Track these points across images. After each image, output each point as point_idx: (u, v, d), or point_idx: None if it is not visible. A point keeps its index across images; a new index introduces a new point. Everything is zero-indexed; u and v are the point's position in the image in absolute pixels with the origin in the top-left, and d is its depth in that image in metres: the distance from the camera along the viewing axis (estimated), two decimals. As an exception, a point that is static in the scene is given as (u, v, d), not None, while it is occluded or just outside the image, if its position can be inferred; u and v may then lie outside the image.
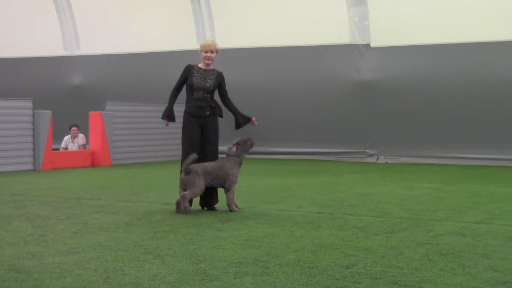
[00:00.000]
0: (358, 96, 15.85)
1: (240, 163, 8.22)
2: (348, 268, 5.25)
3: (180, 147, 8.54)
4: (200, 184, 7.90)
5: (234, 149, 8.20)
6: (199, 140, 8.27)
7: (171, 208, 8.35)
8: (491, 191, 10.19)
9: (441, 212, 8.11)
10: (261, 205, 8.75)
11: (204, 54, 8.26)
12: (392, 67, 15.49)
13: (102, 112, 15.22)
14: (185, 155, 8.11)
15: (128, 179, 12.28)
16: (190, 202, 8.08)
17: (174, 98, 8.41)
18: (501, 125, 14.50)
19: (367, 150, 15.85)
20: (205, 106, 8.23)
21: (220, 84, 8.35)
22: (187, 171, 7.88)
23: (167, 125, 8.60)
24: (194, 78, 8.22)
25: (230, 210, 8.13)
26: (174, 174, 12.93)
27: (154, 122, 15.97)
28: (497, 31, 14.44)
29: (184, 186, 7.98)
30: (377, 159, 15.71)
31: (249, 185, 11.07)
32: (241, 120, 8.43)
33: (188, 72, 8.27)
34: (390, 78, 15.44)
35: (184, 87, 8.39)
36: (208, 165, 8.07)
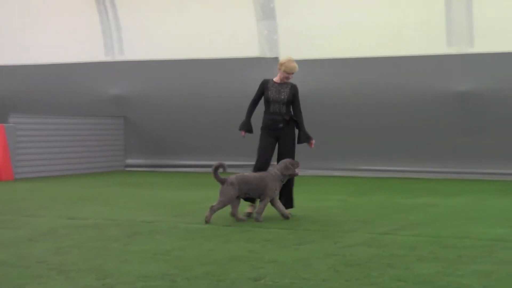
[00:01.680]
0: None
1: (282, 181, 8.34)
2: (257, 280, 5.24)
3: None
4: (229, 194, 8.08)
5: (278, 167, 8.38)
6: (271, 150, 8.74)
7: (76, 222, 8.16)
8: (396, 203, 10.42)
9: (348, 223, 8.23)
10: (169, 218, 8.65)
11: (285, 75, 8.70)
12: (301, 81, 15.62)
13: (4, 124, 14.75)
14: (255, 165, 8.63)
15: (32, 193, 11.93)
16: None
17: (251, 112, 8.86)
18: (406, 138, 14.85)
19: (275, 163, 15.95)
20: (279, 119, 8.64)
21: (294, 96, 8.74)
22: (221, 181, 8.11)
23: (243, 136, 8.97)
24: (269, 92, 8.65)
25: (256, 220, 8.26)
26: (80, 188, 12.67)
27: (61, 135, 15.63)
28: (406, 46, 14.79)
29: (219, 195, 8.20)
30: (286, 171, 15.83)
31: (158, 198, 10.95)
32: (302, 137, 8.83)
33: (264, 87, 8.73)
34: (300, 91, 15.59)
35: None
36: (250, 175, 8.30)
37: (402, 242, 6.90)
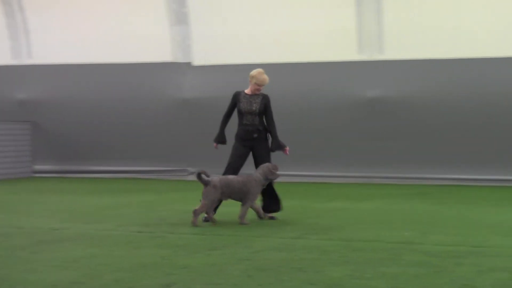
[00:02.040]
0: (180, 114, 15.84)
1: (263, 186, 8.59)
2: (168, 287, 5.18)
3: None
4: (212, 197, 8.26)
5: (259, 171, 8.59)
6: (242, 161, 8.95)
7: (-19, 230, 7.88)
8: (307, 207, 10.53)
9: (260, 228, 8.26)
10: (78, 225, 8.47)
11: (256, 87, 8.98)
12: (214, 86, 15.64)
13: None
14: (225, 172, 8.80)
15: None
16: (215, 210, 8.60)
17: (224, 123, 9.16)
18: (316, 143, 15.01)
19: (188, 168, 15.87)
20: (252, 130, 8.87)
21: (266, 106, 8.96)
22: (205, 182, 8.28)
23: (216, 147, 9.26)
24: (241, 104, 8.91)
25: (241, 223, 8.40)
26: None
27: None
28: (317, 53, 14.96)
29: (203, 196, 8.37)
30: (199, 177, 15.78)
31: (67, 205, 10.71)
32: (274, 146, 9.00)
33: (236, 99, 8.99)
34: (212, 96, 15.57)
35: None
36: (233, 178, 8.48)
37: (313, 246, 6.97)
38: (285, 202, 11.08)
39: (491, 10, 13.88)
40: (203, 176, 8.34)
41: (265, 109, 8.99)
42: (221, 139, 9.18)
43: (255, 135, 8.93)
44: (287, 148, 9.08)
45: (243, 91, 9.06)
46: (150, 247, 6.90)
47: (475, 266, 6.01)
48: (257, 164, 8.89)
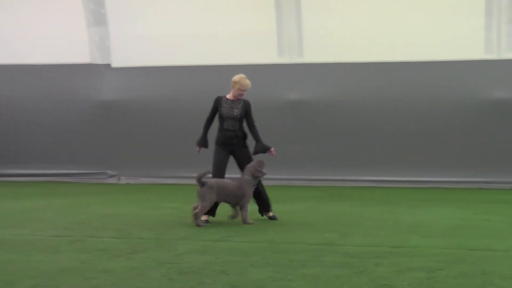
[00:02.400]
0: (99, 117, 15.59)
1: (254, 186, 8.81)
2: (88, 292, 5.10)
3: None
4: (210, 198, 8.48)
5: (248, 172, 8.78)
6: (226, 163, 9.10)
7: None
8: (229, 210, 10.47)
9: (182, 231, 8.21)
10: (-6, 230, 8.24)
11: (240, 92, 9.10)
12: (134, 88, 15.46)
13: None
14: (213, 175, 8.89)
15: None
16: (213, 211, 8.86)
17: (207, 128, 9.26)
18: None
19: (108, 171, 15.65)
20: (232, 135, 9.06)
21: (247, 111, 9.17)
22: (202, 184, 8.47)
23: (199, 151, 9.36)
24: (223, 109, 9.05)
25: (245, 223, 8.68)
26: None
27: None
28: (237, 55, 14.97)
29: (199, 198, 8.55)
30: (119, 180, 15.57)
31: (-18, 210, 10.39)
32: (258, 148, 9.19)
33: (218, 104, 9.12)
34: (131, 98, 15.40)
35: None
36: (228, 182, 8.69)
37: (235, 249, 6.97)
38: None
39: (409, 16, 14.18)
40: (202, 178, 8.54)
41: (246, 114, 9.19)
42: (203, 143, 9.31)
43: (235, 141, 9.10)
44: (272, 149, 9.25)
45: (225, 96, 9.20)
46: (70, 252, 6.76)
47: (394, 266, 6.13)
48: (241, 168, 9.03)
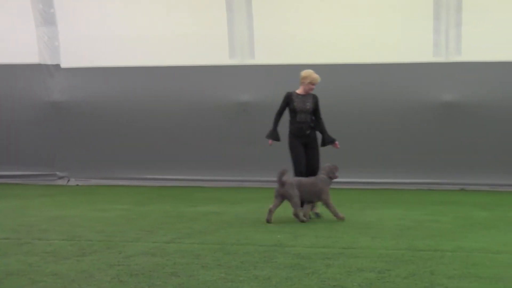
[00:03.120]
0: (49, 117, 15.36)
1: (329, 185, 9.18)
2: (36, 295, 5.01)
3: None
4: (296, 194, 8.87)
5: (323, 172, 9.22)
6: (304, 155, 9.53)
7: None
8: (180, 211, 10.46)
9: (133, 233, 8.13)
10: None
11: (310, 86, 9.58)
12: (84, 89, 15.27)
13: None
14: (296, 169, 9.42)
15: None
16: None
17: (277, 122, 9.75)
18: (189, 146, 14.95)
19: (57, 173, 15.43)
20: (305, 127, 9.56)
21: (316, 105, 9.65)
22: (282, 183, 8.83)
23: (270, 144, 9.83)
24: (295, 103, 9.54)
25: (339, 219, 9.10)
26: None
27: None
28: (189, 57, 14.90)
29: (279, 197, 8.95)
30: (68, 181, 15.36)
31: None
32: (325, 140, 9.70)
33: (289, 99, 9.61)
34: (81, 99, 15.21)
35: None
36: (304, 180, 9.08)
37: (186, 250, 6.94)
38: (158, 207, 11.02)
39: (359, 18, 14.30)
40: (282, 176, 8.89)
41: (316, 107, 9.65)
42: (275, 136, 9.78)
43: (308, 132, 9.59)
44: (337, 142, 9.74)
45: (295, 92, 9.67)
46: (17, 254, 6.64)
47: (345, 267, 6.17)
48: (307, 161, 9.52)
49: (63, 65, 15.39)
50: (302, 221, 8.96)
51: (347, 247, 7.18)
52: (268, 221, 8.94)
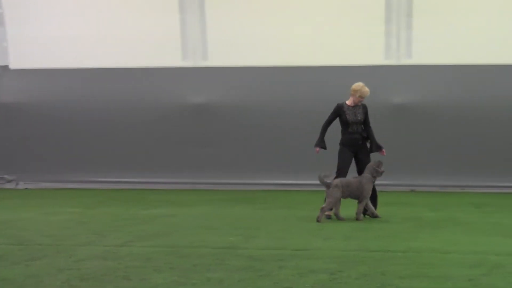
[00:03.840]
0: (-3, 119, 15.13)
1: (373, 182, 9.55)
2: (-17, 301, 4.91)
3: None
4: (336, 196, 9.29)
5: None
6: (349, 163, 9.83)
7: None
8: (132, 214, 10.38)
9: (83, 236, 8.03)
10: None
11: (360, 99, 9.82)
12: (33, 90, 15.04)
13: None
14: (338, 174, 9.64)
15: None
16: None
17: (325, 131, 9.95)
18: (142, 149, 14.85)
19: (5, 176, 15.17)
20: (358, 138, 9.83)
21: (366, 115, 9.89)
22: (327, 185, 9.33)
23: (317, 152, 9.96)
24: (347, 115, 9.79)
25: (357, 219, 9.43)
26: None
27: None
28: (141, 58, 14.80)
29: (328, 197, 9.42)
30: (17, 185, 15.11)
31: None
32: (374, 147, 9.90)
33: (340, 111, 9.83)
34: (30, 101, 14.97)
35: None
36: (351, 179, 9.53)
37: (138, 254, 6.87)
38: (109, 210, 10.91)
39: (311, 21, 14.39)
40: (325, 179, 9.35)
41: (366, 117, 9.90)
42: (323, 144, 9.95)
43: (360, 142, 9.85)
44: (384, 150, 9.90)
45: (345, 103, 9.89)
46: (-36, 260, 6.50)
47: (297, 269, 6.19)
48: (359, 167, 9.82)
49: (12, 66, 15.14)
50: (317, 221, 9.26)
51: (299, 249, 7.20)
52: (318, 220, 9.27)
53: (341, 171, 9.76)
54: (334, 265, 6.33)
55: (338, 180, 9.42)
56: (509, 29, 13.79)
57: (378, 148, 9.92)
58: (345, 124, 9.88)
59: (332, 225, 9.00)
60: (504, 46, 13.77)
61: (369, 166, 9.59)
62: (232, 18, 14.64)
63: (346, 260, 6.58)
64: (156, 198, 12.85)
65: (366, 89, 9.94)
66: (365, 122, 9.95)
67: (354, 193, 9.50)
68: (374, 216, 9.64)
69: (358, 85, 9.95)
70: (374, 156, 10.04)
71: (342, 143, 9.90)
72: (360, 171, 9.79)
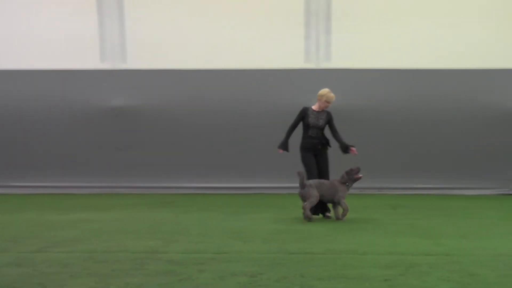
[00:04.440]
0: None
1: (348, 186, 9.84)
2: None
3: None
4: (314, 194, 9.61)
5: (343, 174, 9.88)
6: (315, 164, 10.05)
7: None
8: (48, 219, 10.14)
9: (-3, 243, 7.80)
10: None
11: (326, 104, 10.04)
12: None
13: None
14: (309, 178, 9.86)
15: None
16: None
17: (290, 133, 10.14)
18: (61, 152, 14.58)
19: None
20: (317, 142, 10.05)
21: (329, 121, 10.13)
22: (302, 186, 9.60)
23: (281, 153, 10.20)
24: (309, 119, 10.03)
25: (340, 219, 9.80)
26: None
27: None
28: (59, 60, 14.53)
29: (302, 198, 9.72)
30: None
31: None
32: (342, 148, 10.13)
33: (304, 114, 10.06)
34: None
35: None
36: (323, 180, 9.81)
37: (54, 260, 6.72)
38: (23, 215, 10.63)
39: (231, 24, 14.44)
40: (304, 180, 9.65)
41: (329, 123, 10.14)
42: (285, 147, 10.16)
43: (319, 147, 10.08)
44: (354, 149, 10.11)
45: (311, 107, 10.13)
46: None
47: (217, 272, 6.17)
48: (319, 171, 10.08)
49: None
50: (309, 219, 9.64)
51: (219, 252, 7.18)
52: (310, 220, 9.66)
53: (312, 174, 10.01)
54: (254, 268, 6.34)
55: (311, 181, 9.73)
56: (426, 34, 14.17)
57: (347, 149, 10.16)
58: (306, 127, 10.13)
59: (252, 228, 9.02)
60: (422, 51, 14.14)
61: (348, 170, 9.88)
62: (152, 20, 14.55)
63: (266, 263, 6.59)
64: (73, 203, 12.61)
65: (332, 95, 10.16)
66: (331, 128, 10.21)
67: (325, 194, 9.74)
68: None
69: (324, 90, 10.18)
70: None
71: (303, 147, 10.15)
72: (318, 175, 10.06)
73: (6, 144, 14.60)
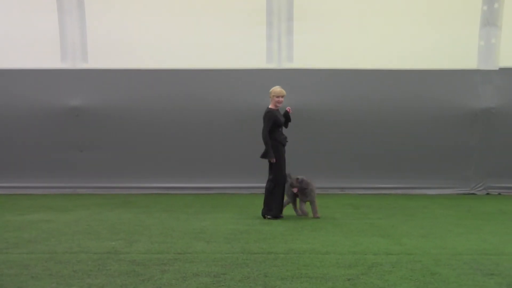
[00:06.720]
0: None
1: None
2: None
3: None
4: (289, 192, 10.14)
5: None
6: None
7: None
8: (6, 220, 10.00)
9: (-46, 244, 7.66)
10: None
11: (278, 99, 10.05)
12: None
13: None
14: (282, 175, 10.03)
15: None
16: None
17: (270, 140, 10.01)
18: (22, 153, 14.41)
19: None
20: (286, 138, 10.24)
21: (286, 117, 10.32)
22: (302, 184, 9.98)
23: (276, 161, 9.99)
24: (280, 118, 10.09)
25: (315, 217, 10.13)
26: None
27: None
28: (18, 60, 14.37)
29: (305, 196, 10.12)
30: None
31: None
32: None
33: (274, 115, 9.99)
34: None
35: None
36: (305, 179, 10.09)
37: (14, 261, 6.63)
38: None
39: (196, 24, 14.41)
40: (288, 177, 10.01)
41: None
42: (271, 155, 10.03)
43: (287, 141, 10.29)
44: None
45: (272, 108, 10.08)
46: None
47: (180, 272, 6.15)
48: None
49: None
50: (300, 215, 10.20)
51: (182, 252, 7.16)
52: (304, 214, 10.16)
53: (284, 173, 10.09)
54: (217, 268, 6.33)
55: (293, 180, 10.01)
56: (387, 34, 14.30)
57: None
58: (279, 126, 10.14)
59: (215, 228, 9.00)
60: (382, 52, 14.26)
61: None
62: (113, 19, 14.45)
63: (229, 263, 6.59)
64: (31, 203, 12.45)
65: (279, 88, 10.14)
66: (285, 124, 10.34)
67: (303, 192, 10.09)
68: (304, 214, 10.23)
69: (276, 88, 10.18)
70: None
71: (281, 146, 10.11)
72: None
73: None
